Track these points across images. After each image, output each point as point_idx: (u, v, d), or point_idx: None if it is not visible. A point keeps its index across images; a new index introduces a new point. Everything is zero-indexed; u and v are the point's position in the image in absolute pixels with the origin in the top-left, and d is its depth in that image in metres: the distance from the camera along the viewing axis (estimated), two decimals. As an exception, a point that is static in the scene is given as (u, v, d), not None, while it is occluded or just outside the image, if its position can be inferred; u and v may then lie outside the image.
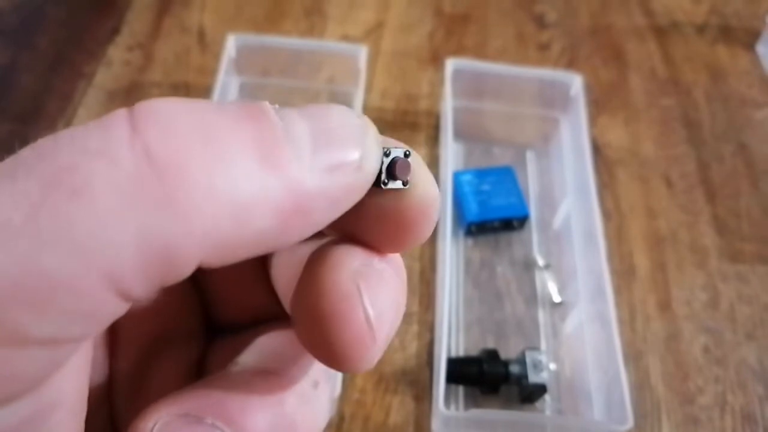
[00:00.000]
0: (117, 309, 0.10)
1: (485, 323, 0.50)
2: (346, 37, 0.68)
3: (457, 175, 0.56)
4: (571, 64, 0.68)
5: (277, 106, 0.12)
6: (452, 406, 0.46)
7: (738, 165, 0.61)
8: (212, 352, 0.17)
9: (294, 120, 0.11)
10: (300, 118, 0.12)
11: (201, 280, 0.17)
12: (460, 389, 0.47)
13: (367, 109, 0.61)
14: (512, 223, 0.55)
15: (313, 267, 0.13)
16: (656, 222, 0.57)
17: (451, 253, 0.52)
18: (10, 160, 0.10)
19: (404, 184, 0.13)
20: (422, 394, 0.46)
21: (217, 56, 0.58)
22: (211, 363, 0.16)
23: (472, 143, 0.61)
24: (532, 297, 0.52)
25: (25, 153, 0.10)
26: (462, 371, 0.45)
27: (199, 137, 0.10)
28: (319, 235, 0.15)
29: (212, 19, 0.69)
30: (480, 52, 0.69)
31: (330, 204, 0.12)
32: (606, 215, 0.55)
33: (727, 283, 0.53)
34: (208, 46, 0.66)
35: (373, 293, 0.12)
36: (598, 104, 0.64)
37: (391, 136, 0.13)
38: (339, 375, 0.41)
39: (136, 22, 0.68)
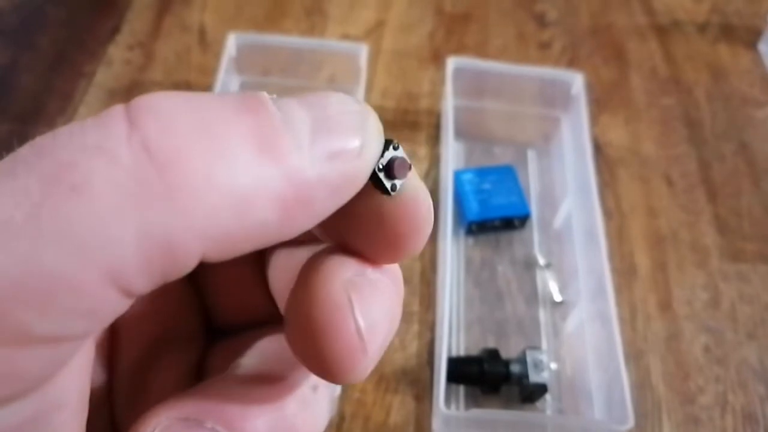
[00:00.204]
0: (119, 305, 0.10)
1: (486, 322, 0.50)
2: (346, 36, 0.68)
3: (457, 174, 0.55)
4: (571, 63, 0.68)
5: (275, 96, 0.12)
6: (453, 406, 0.46)
7: (739, 164, 0.61)
8: (212, 355, 0.17)
9: (293, 109, 0.11)
10: (299, 107, 0.12)
11: (201, 282, 0.17)
12: (461, 389, 0.47)
13: (367, 109, 0.61)
14: (513, 222, 0.55)
15: (306, 276, 0.13)
16: (657, 221, 0.57)
17: (451, 253, 0.52)
18: (9, 158, 0.10)
19: (393, 188, 0.12)
20: (423, 393, 0.46)
21: (217, 55, 0.58)
22: (210, 365, 0.16)
23: (472, 142, 0.61)
24: (532, 296, 0.52)
25: (24, 151, 0.10)
26: (463, 371, 0.45)
27: (197, 130, 0.10)
28: (316, 240, 0.15)
29: (213, 18, 0.69)
30: (481, 51, 0.68)
31: (331, 192, 0.11)
32: (607, 214, 0.55)
33: (728, 283, 0.53)
34: (208, 45, 0.66)
35: (365, 304, 0.12)
36: (599, 103, 0.64)
37: (392, 136, 0.13)
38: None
39: (136, 21, 0.68)
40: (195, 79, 0.63)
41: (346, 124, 0.12)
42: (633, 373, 0.47)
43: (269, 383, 0.14)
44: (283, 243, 0.15)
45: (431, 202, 0.13)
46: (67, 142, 0.10)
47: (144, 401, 0.14)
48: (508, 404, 0.46)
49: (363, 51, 0.57)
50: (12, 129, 0.58)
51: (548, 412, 0.46)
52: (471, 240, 0.55)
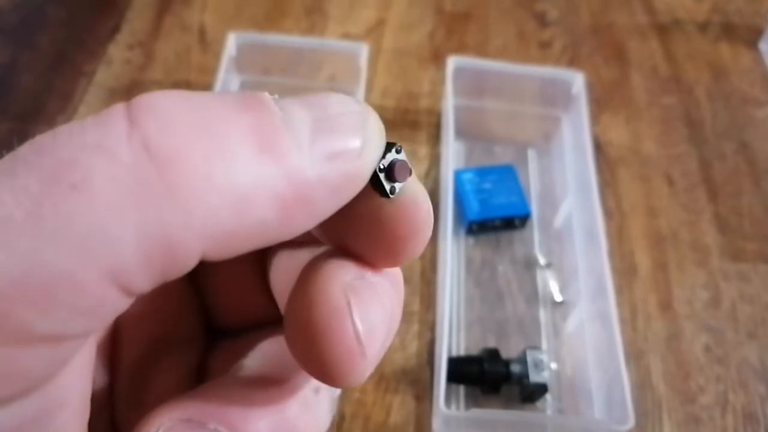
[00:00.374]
0: (119, 304, 0.10)
1: (486, 322, 0.50)
2: (347, 36, 0.68)
3: (458, 174, 0.55)
4: (572, 63, 0.68)
5: (276, 96, 0.12)
6: (453, 406, 0.46)
7: (740, 164, 0.61)
8: (214, 356, 0.17)
9: (293, 109, 0.11)
10: (299, 107, 0.12)
11: (202, 283, 0.17)
12: (461, 389, 0.47)
13: (367, 108, 0.61)
14: (513, 221, 0.54)
15: (306, 279, 0.13)
16: (657, 221, 0.57)
17: (452, 252, 0.52)
18: (9, 157, 0.10)
19: (392, 191, 0.12)
20: (423, 393, 0.46)
21: (217, 55, 0.58)
22: (212, 367, 0.16)
23: (473, 142, 0.61)
24: (533, 296, 0.52)
25: (24, 150, 0.10)
26: (463, 371, 0.45)
27: (198, 128, 0.10)
28: (317, 243, 0.14)
29: (213, 18, 0.69)
30: (481, 51, 0.68)
31: (331, 192, 0.11)
32: (607, 214, 0.55)
33: (729, 282, 0.53)
34: (208, 44, 0.66)
35: (364, 308, 0.12)
36: (600, 102, 0.64)
37: (392, 135, 0.13)
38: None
39: (136, 20, 0.68)
40: (195, 79, 0.63)
41: (346, 124, 0.12)
42: (633, 373, 0.47)
43: (271, 385, 0.14)
44: (284, 244, 0.15)
45: (431, 206, 0.13)
46: (67, 141, 0.10)
47: (145, 402, 0.14)
48: (508, 404, 0.46)
49: (363, 50, 0.57)
50: (12, 128, 0.58)
51: (548, 412, 0.46)
52: (471, 240, 0.55)
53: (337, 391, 0.41)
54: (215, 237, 0.10)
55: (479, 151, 0.60)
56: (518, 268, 0.53)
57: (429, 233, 0.13)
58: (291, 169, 0.11)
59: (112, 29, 0.66)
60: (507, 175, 0.56)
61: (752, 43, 0.71)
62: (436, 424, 0.42)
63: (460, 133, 0.59)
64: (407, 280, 0.51)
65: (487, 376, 0.45)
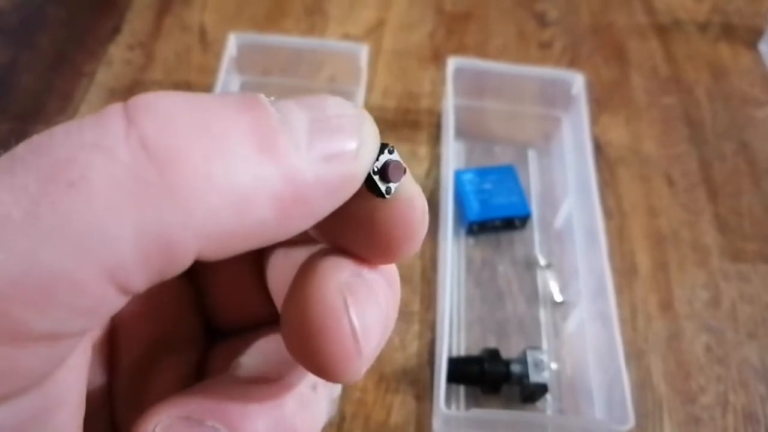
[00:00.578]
0: (116, 303, 0.10)
1: (486, 322, 0.50)
2: (347, 36, 0.68)
3: (458, 174, 0.55)
4: (572, 63, 0.68)
5: (273, 98, 0.12)
6: (453, 406, 0.46)
7: (740, 164, 0.61)
8: (212, 355, 0.17)
9: (290, 110, 0.12)
10: (296, 108, 0.12)
11: (200, 283, 0.17)
12: (461, 389, 0.47)
13: (368, 108, 0.60)
14: (514, 222, 0.54)
15: (302, 277, 0.13)
16: (658, 221, 0.57)
17: (452, 252, 0.52)
18: (6, 156, 0.10)
19: (387, 191, 0.13)
20: (423, 393, 0.46)
21: (218, 55, 0.58)
22: (211, 366, 0.16)
23: (473, 142, 0.61)
24: (533, 296, 0.52)
25: (22, 149, 0.10)
26: (463, 371, 0.45)
27: (196, 127, 0.10)
28: (313, 241, 0.15)
29: (213, 18, 0.69)
30: (481, 51, 0.68)
31: (327, 193, 0.11)
32: (607, 214, 0.55)
33: (729, 282, 0.53)
34: (209, 45, 0.66)
35: (360, 306, 0.12)
36: (600, 103, 0.64)
37: (393, 135, 0.13)
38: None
39: (136, 21, 0.68)
40: (195, 79, 0.63)
41: (343, 126, 0.12)
42: (634, 373, 0.47)
43: (269, 383, 0.14)
44: (281, 243, 0.15)
45: (426, 205, 0.13)
46: (65, 140, 0.10)
47: (144, 402, 0.14)
48: (508, 404, 0.46)
49: (363, 51, 0.57)
50: (12, 128, 0.58)
51: (549, 412, 0.46)
52: (472, 240, 0.55)
53: (337, 389, 0.41)
54: (213, 236, 0.10)
55: (479, 152, 0.60)
56: (518, 268, 0.53)
57: (424, 232, 0.13)
58: (289, 170, 0.11)
59: (112, 29, 0.66)
60: (507, 176, 0.56)
61: (752, 44, 0.71)
62: (437, 424, 0.42)
63: (461, 133, 0.59)
64: (407, 280, 0.51)
65: (488, 376, 0.45)
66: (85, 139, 0.10)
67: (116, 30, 0.66)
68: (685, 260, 0.54)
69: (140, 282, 0.10)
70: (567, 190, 0.55)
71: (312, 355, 0.12)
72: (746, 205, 0.58)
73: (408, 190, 0.13)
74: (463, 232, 0.54)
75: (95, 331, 0.15)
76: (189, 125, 0.10)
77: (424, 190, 0.14)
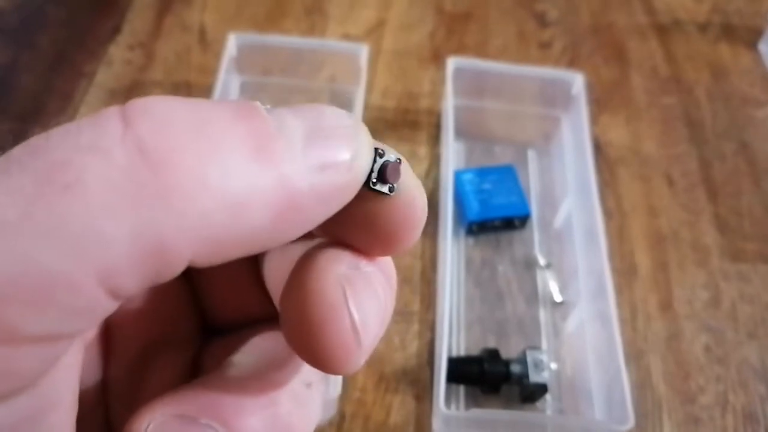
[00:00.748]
0: (108, 306, 0.10)
1: (486, 322, 0.50)
2: (347, 36, 0.68)
3: (458, 174, 0.55)
4: (572, 63, 0.68)
5: (269, 105, 0.12)
6: (453, 406, 0.46)
7: (740, 164, 0.61)
8: (208, 353, 0.17)
9: (286, 118, 0.12)
10: (292, 116, 0.12)
11: (196, 280, 0.17)
12: (461, 389, 0.47)
13: (368, 108, 0.61)
14: (513, 222, 0.54)
15: (301, 270, 0.13)
16: (657, 221, 0.57)
17: (452, 252, 0.52)
18: (3, 158, 0.10)
19: (390, 190, 0.13)
20: (423, 393, 0.46)
21: (218, 55, 0.58)
22: (207, 364, 0.16)
23: (473, 142, 0.61)
24: (533, 296, 0.52)
25: (18, 150, 0.10)
26: (463, 371, 0.45)
27: (192, 132, 0.10)
28: (309, 236, 0.15)
29: (213, 18, 0.69)
30: (481, 51, 0.68)
31: (321, 202, 0.12)
32: (607, 214, 0.55)
33: (729, 282, 0.53)
34: (209, 45, 0.66)
35: (358, 298, 0.12)
36: (600, 103, 0.64)
37: (392, 135, 0.13)
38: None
39: (137, 21, 0.68)
40: (195, 79, 0.63)
41: (338, 136, 0.12)
42: (633, 373, 0.47)
43: (264, 380, 0.14)
44: None
45: (425, 198, 0.13)
46: (61, 142, 0.10)
47: (140, 400, 0.14)
48: (508, 404, 0.46)
49: (363, 51, 0.57)
50: (12, 128, 0.58)
51: (548, 412, 0.46)
52: (471, 240, 0.55)
53: (337, 387, 0.41)
54: (207, 241, 0.10)
55: (479, 152, 0.60)
56: (518, 268, 0.53)
57: (423, 224, 0.13)
58: (283, 177, 0.11)
59: (112, 30, 0.66)
60: (507, 176, 0.56)
61: (752, 44, 0.71)
62: (436, 424, 0.42)
63: (460, 133, 0.59)
64: (407, 280, 0.51)
65: (487, 376, 0.45)
66: (82, 141, 0.10)
67: (116, 30, 0.66)
68: (685, 260, 0.54)
69: (132, 285, 0.10)
70: (567, 190, 0.55)
71: (311, 346, 0.12)
72: (746, 205, 0.58)
73: (407, 186, 0.13)
74: (462, 232, 0.54)
75: (89, 331, 0.15)
76: (185, 129, 0.10)
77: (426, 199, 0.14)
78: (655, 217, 0.57)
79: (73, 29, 0.66)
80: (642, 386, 0.47)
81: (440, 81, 0.63)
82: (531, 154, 0.60)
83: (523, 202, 0.55)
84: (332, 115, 0.12)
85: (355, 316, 0.12)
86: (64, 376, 0.12)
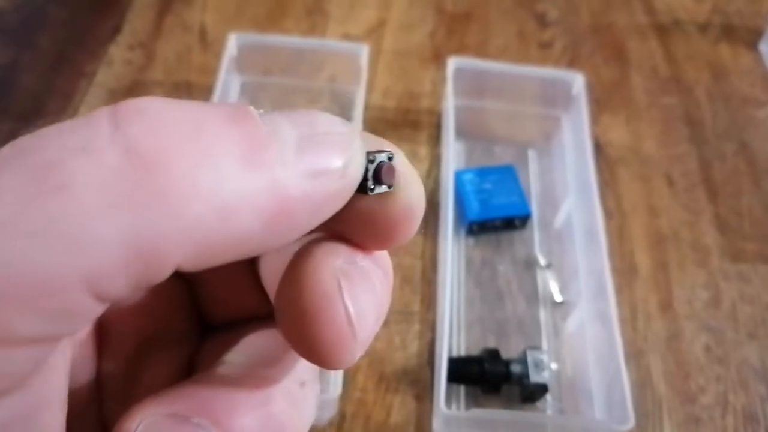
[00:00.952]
0: (95, 310, 0.10)
1: (486, 322, 0.50)
2: (347, 36, 0.68)
3: (458, 174, 0.55)
4: (572, 63, 0.68)
5: (263, 111, 0.12)
6: (453, 406, 0.46)
7: (740, 164, 0.61)
8: (204, 350, 0.16)
9: (279, 123, 0.11)
10: (286, 122, 0.12)
11: (192, 277, 0.17)
12: (462, 389, 0.47)
13: (368, 108, 0.61)
14: (514, 222, 0.55)
15: (297, 264, 0.13)
16: (658, 221, 0.57)
17: (452, 252, 0.52)
18: None
19: (389, 186, 0.13)
20: (423, 393, 0.46)
21: (218, 55, 0.58)
22: (202, 361, 0.16)
23: (473, 142, 0.61)
24: (533, 296, 0.52)
25: (7, 150, 0.10)
26: (463, 371, 0.45)
27: (183, 135, 0.10)
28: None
29: (213, 18, 0.69)
30: (481, 51, 0.68)
31: (312, 209, 0.11)
32: (607, 214, 0.55)
33: (729, 283, 0.53)
34: (209, 45, 0.66)
35: (354, 291, 0.12)
36: (600, 103, 0.64)
37: (393, 135, 0.13)
38: (339, 374, 0.41)
39: (137, 21, 0.68)
40: (196, 79, 0.63)
41: (331, 143, 0.12)
42: (633, 373, 0.47)
43: (257, 379, 0.14)
44: None
45: (422, 189, 0.13)
46: (51, 142, 0.10)
47: (133, 398, 0.14)
48: (508, 404, 0.46)
49: (364, 51, 0.57)
50: (13, 128, 0.58)
51: (549, 412, 0.46)
52: (472, 240, 0.55)
53: (337, 387, 0.41)
54: (196, 245, 0.10)
55: (479, 152, 0.60)
56: (518, 268, 0.53)
57: (421, 217, 0.13)
58: (275, 183, 0.11)
59: (112, 29, 0.66)
60: (507, 176, 0.56)
61: (752, 44, 0.71)
62: (437, 424, 0.42)
63: (461, 133, 0.59)
64: (407, 280, 0.51)
65: (488, 376, 0.45)
66: (72, 142, 0.10)
67: (117, 30, 0.66)
68: (685, 260, 0.54)
69: (119, 289, 0.10)
70: (567, 190, 0.55)
71: (307, 339, 0.12)
72: (746, 205, 0.58)
73: (405, 182, 0.13)
74: (463, 232, 0.55)
75: (80, 331, 0.15)
76: (177, 132, 0.10)
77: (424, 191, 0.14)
78: (656, 217, 0.57)
79: (74, 29, 0.66)
80: (642, 386, 0.47)
81: (441, 81, 0.63)
82: (531, 154, 0.60)
83: (524, 202, 0.55)
84: (326, 121, 0.12)
85: (351, 309, 0.12)
86: (52, 376, 0.12)
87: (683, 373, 0.48)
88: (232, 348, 0.15)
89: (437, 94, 0.63)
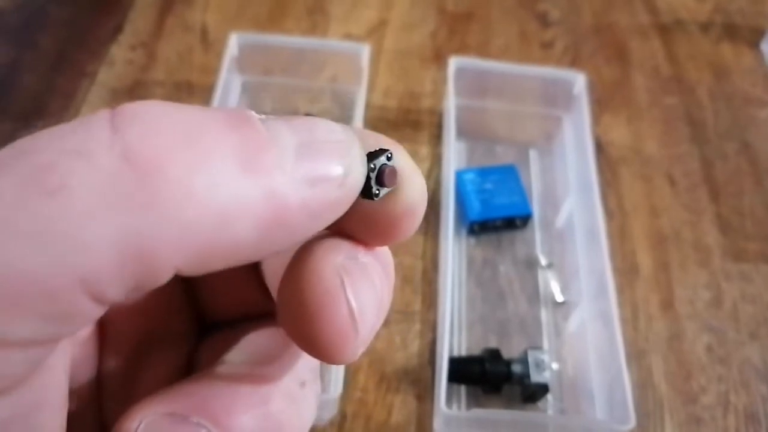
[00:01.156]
0: (92, 312, 0.10)
1: (487, 322, 0.50)
2: (348, 36, 0.68)
3: (459, 174, 0.55)
4: (574, 63, 0.68)
5: (263, 116, 0.12)
6: (454, 406, 0.46)
7: (742, 164, 0.61)
8: (204, 349, 0.16)
9: (279, 129, 0.11)
10: (286, 129, 0.11)
11: (192, 276, 0.17)
12: (462, 388, 0.47)
13: (369, 108, 0.61)
14: (515, 221, 0.54)
15: (299, 259, 0.13)
16: (659, 221, 0.57)
17: (453, 252, 0.52)
18: None
19: (376, 195, 0.13)
20: (424, 393, 0.46)
21: (219, 55, 0.58)
22: (202, 360, 0.16)
23: (474, 142, 0.61)
24: (534, 296, 0.52)
25: (6, 152, 0.10)
26: (464, 370, 0.45)
27: (181, 139, 0.10)
28: None
29: (215, 18, 0.69)
30: (483, 51, 0.68)
31: (311, 217, 0.11)
32: (609, 214, 0.55)
33: (731, 282, 0.53)
34: (210, 44, 0.66)
35: (356, 287, 0.12)
36: (601, 103, 0.64)
37: (394, 135, 0.13)
38: (340, 374, 0.41)
39: (138, 20, 0.68)
40: (197, 79, 0.63)
41: (331, 151, 0.12)
42: (635, 373, 0.47)
43: (256, 378, 0.14)
44: None
45: (424, 185, 0.13)
46: (47, 145, 0.10)
47: (133, 397, 0.14)
48: (509, 404, 0.46)
49: (365, 51, 0.57)
50: (14, 128, 0.58)
51: (550, 412, 0.46)
52: (473, 240, 0.55)
53: (338, 387, 0.41)
54: (191, 251, 0.10)
55: (481, 151, 0.60)
56: (520, 268, 0.53)
57: (423, 213, 0.13)
58: (272, 191, 0.11)
59: (114, 29, 0.67)
60: (508, 175, 0.56)
61: (754, 44, 0.71)
62: (437, 423, 0.42)
63: (462, 133, 0.59)
64: (408, 280, 0.51)
65: (489, 376, 0.45)
66: (68, 145, 0.10)
67: (118, 30, 0.67)
68: (686, 260, 0.54)
69: (116, 292, 0.10)
70: (568, 189, 0.55)
71: (309, 335, 0.12)
72: (748, 205, 0.58)
73: (407, 182, 0.13)
74: (464, 231, 0.54)
75: (73, 335, 0.15)
76: (175, 137, 0.10)
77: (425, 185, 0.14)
78: (657, 216, 0.57)
79: (75, 29, 0.66)
80: (643, 386, 0.47)
81: (442, 81, 0.63)
82: (533, 154, 0.60)
83: (525, 201, 0.55)
84: (326, 129, 0.12)
85: (353, 303, 0.12)
86: (52, 376, 0.12)
87: (684, 373, 0.48)
88: (232, 347, 0.15)
89: (438, 93, 0.63)
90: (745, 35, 0.72)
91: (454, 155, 0.55)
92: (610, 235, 0.52)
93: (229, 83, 0.57)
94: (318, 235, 0.13)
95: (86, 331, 0.15)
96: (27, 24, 0.66)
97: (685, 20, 0.74)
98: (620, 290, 0.51)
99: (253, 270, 0.16)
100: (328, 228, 0.14)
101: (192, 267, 0.10)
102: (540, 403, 0.46)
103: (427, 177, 0.57)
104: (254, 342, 0.15)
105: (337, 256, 0.13)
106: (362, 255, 0.13)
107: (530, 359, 0.45)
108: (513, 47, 0.70)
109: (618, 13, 0.74)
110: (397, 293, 0.50)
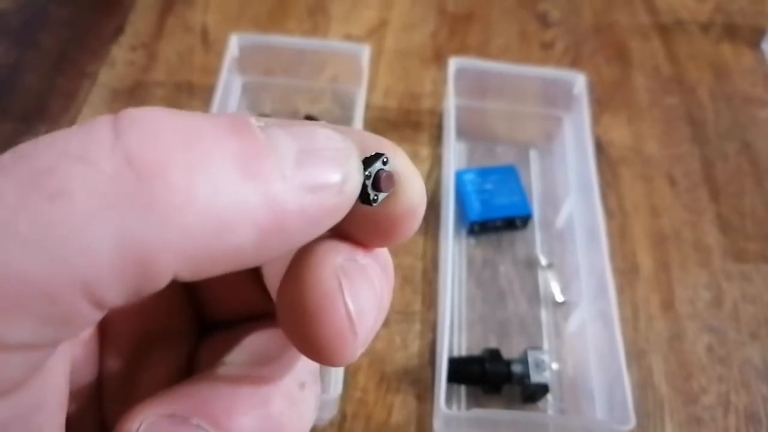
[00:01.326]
0: (91, 315, 0.10)
1: (488, 322, 0.50)
2: (349, 37, 0.68)
3: (459, 174, 0.55)
4: (574, 63, 0.68)
5: (262, 123, 0.12)
6: (454, 406, 0.46)
7: (742, 164, 0.61)
8: (203, 350, 0.17)
9: (278, 136, 0.11)
10: (285, 135, 0.12)
11: None
12: (462, 389, 0.47)
13: (370, 108, 0.61)
14: (515, 222, 0.54)
15: (298, 261, 0.13)
16: (659, 221, 0.57)
17: (453, 252, 0.52)
18: None
19: (375, 201, 0.13)
20: (424, 393, 0.46)
21: (220, 56, 0.58)
22: (202, 361, 0.16)
23: (475, 142, 0.61)
24: (534, 296, 0.52)
25: (7, 156, 0.10)
26: (464, 371, 0.45)
27: (182, 145, 0.10)
28: None
29: (215, 19, 0.69)
30: (483, 51, 0.68)
31: (309, 223, 0.12)
32: (609, 214, 0.55)
33: (731, 283, 0.53)
34: (211, 45, 0.66)
35: (354, 289, 0.12)
36: (602, 103, 0.64)
37: (394, 135, 0.13)
38: (340, 374, 0.41)
39: (139, 21, 0.68)
40: (197, 80, 0.63)
41: (329, 158, 0.12)
42: (635, 373, 0.47)
43: (256, 380, 0.14)
44: None
45: (423, 186, 0.13)
46: (49, 148, 0.10)
47: (134, 398, 0.14)
48: (509, 404, 0.46)
49: (365, 51, 0.57)
50: (15, 128, 0.58)
51: (550, 412, 0.46)
52: (473, 240, 0.55)
53: (338, 387, 0.41)
54: (190, 256, 0.10)
55: (481, 152, 0.60)
56: (520, 268, 0.53)
57: (422, 214, 0.13)
58: (271, 197, 0.11)
59: (115, 30, 0.67)
60: (508, 176, 0.56)
61: (755, 44, 0.71)
62: (437, 423, 0.42)
63: (462, 133, 0.59)
64: (408, 280, 0.51)
65: (489, 376, 0.45)
66: (70, 150, 0.10)
67: (119, 30, 0.67)
68: (687, 260, 0.54)
69: (115, 297, 0.10)
70: (568, 190, 0.55)
71: (308, 337, 0.12)
72: (748, 205, 0.58)
73: (406, 185, 0.13)
74: (464, 232, 0.55)
75: (72, 338, 0.15)
76: (175, 142, 0.10)
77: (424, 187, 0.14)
78: (657, 217, 0.57)
79: (76, 30, 0.66)
80: (643, 386, 0.47)
81: (442, 81, 0.63)
82: (533, 154, 0.60)
83: (525, 202, 0.55)
84: (325, 136, 0.12)
85: (351, 305, 0.12)
86: (52, 377, 0.12)
87: (685, 373, 0.48)
88: (232, 347, 0.15)
89: (438, 94, 0.63)
90: (745, 35, 0.72)
91: (454, 155, 0.55)
92: (611, 235, 0.52)
93: (229, 84, 0.57)
94: (318, 236, 0.14)
95: (87, 333, 0.15)
96: (28, 24, 0.66)
97: (685, 20, 0.74)
98: (620, 290, 0.51)
99: (253, 271, 0.16)
100: (328, 230, 0.14)
101: (191, 272, 0.11)
102: (540, 403, 0.46)
103: (427, 177, 0.57)
104: (254, 343, 0.15)
105: (336, 258, 0.13)
106: (361, 256, 0.13)
107: (530, 359, 0.45)
108: (513, 47, 0.70)
109: (618, 13, 0.74)
110: (397, 293, 0.50)
